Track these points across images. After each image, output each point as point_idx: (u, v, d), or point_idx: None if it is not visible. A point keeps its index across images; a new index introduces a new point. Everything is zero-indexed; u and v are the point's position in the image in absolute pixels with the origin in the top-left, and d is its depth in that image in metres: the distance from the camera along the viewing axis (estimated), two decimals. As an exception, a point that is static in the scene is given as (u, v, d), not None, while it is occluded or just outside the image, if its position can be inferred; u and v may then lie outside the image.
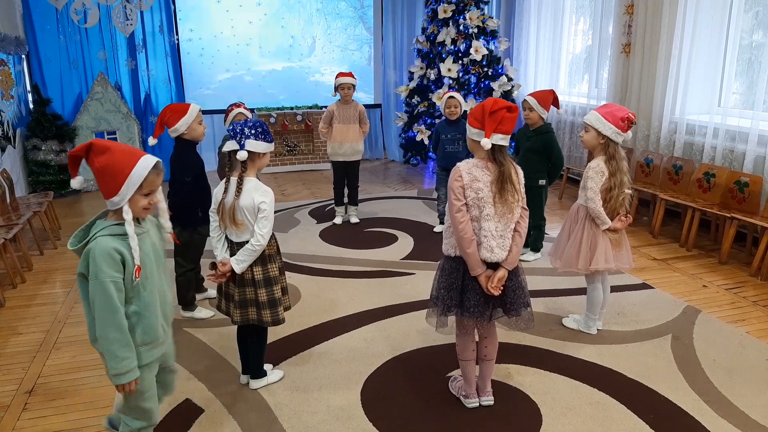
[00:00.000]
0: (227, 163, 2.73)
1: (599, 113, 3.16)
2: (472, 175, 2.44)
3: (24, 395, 2.96)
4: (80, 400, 2.92)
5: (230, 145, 2.65)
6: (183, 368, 3.14)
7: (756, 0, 5.24)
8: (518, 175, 2.50)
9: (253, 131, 2.63)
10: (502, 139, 2.42)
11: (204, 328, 3.60)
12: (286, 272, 3.09)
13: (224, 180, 2.73)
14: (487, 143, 2.38)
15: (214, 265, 2.73)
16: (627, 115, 3.10)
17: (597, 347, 3.32)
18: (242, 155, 2.61)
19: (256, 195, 2.63)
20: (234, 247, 2.72)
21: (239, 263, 2.68)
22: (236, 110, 4.18)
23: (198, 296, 3.91)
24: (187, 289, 3.73)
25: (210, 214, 2.79)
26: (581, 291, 3.88)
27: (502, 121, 2.40)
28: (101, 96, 7.32)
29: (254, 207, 2.63)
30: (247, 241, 2.67)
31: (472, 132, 2.48)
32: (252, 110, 5.22)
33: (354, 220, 5.79)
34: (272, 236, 2.76)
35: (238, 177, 2.65)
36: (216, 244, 2.78)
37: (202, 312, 3.77)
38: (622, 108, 3.18)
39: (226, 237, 2.75)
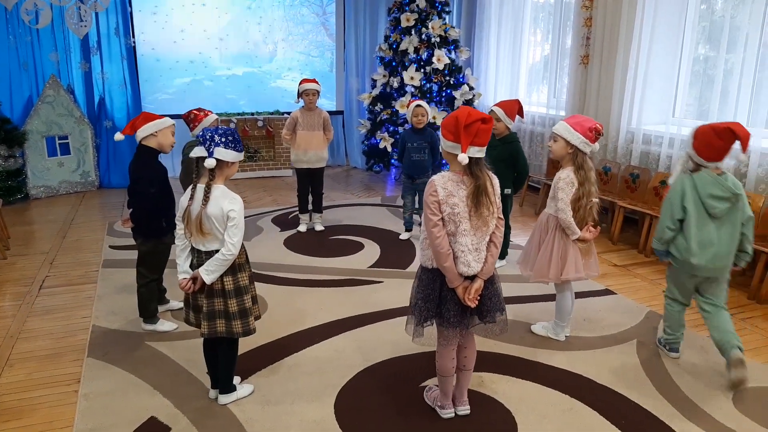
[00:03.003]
0: (194, 170, 2.65)
1: (567, 123, 3.21)
2: (447, 190, 2.41)
3: (-25, 416, 2.79)
4: (38, 420, 2.76)
5: (198, 152, 2.58)
6: (147, 384, 3.02)
7: (707, 14, 5.46)
8: (494, 186, 2.47)
9: (223, 139, 2.57)
10: (479, 152, 2.38)
11: (168, 342, 3.48)
12: (254, 282, 3.01)
13: (190, 187, 2.65)
14: (464, 158, 2.31)
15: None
16: (595, 125, 3.16)
17: (567, 354, 3.36)
18: (210, 163, 2.54)
19: (225, 203, 2.56)
20: (203, 257, 2.63)
21: (209, 273, 2.60)
22: (211, 116, 4.16)
23: (160, 308, 3.78)
24: (150, 300, 3.60)
25: (176, 222, 2.70)
26: (548, 297, 3.94)
27: (478, 133, 2.34)
28: (53, 99, 7.04)
29: (223, 215, 2.56)
30: (217, 250, 2.59)
31: (446, 144, 2.43)
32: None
33: (319, 227, 5.72)
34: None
35: (206, 185, 2.57)
36: (180, 254, 2.69)
37: (165, 325, 3.64)
38: (590, 119, 3.24)
39: (193, 247, 2.67)
